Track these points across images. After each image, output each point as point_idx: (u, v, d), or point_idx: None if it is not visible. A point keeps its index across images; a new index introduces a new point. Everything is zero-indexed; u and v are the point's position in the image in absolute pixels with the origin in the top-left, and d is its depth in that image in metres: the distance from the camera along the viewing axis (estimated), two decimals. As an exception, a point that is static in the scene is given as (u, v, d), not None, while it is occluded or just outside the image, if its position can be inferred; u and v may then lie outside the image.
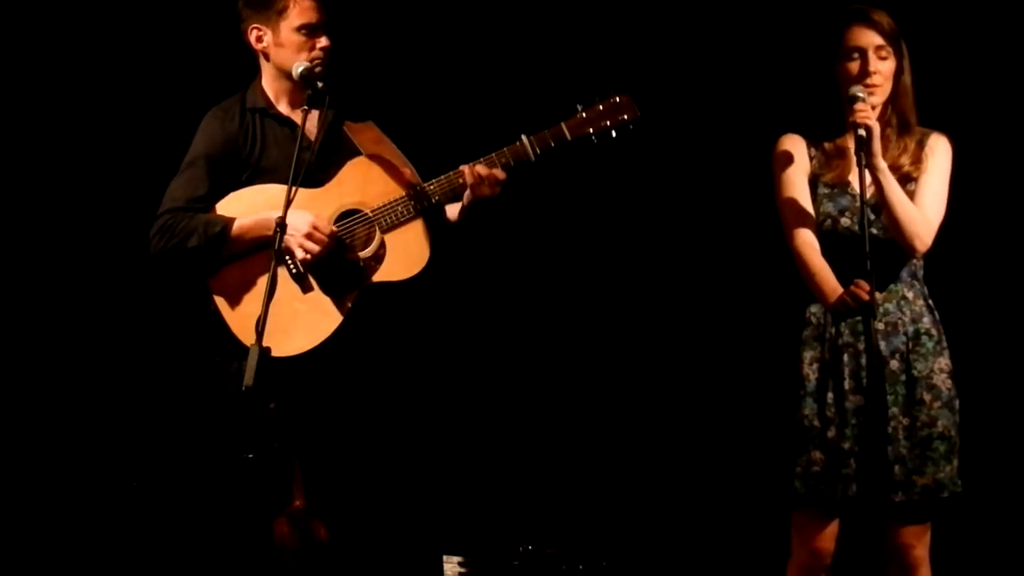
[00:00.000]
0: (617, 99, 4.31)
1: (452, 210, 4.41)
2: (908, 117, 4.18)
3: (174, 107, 5.04)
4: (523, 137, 4.28)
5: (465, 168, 4.26)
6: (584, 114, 4.30)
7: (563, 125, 4.29)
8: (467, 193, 4.29)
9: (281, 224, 4.05)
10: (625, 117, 4.31)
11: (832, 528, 4.16)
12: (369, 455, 4.44)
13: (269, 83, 4.44)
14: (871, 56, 4.09)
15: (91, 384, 5.56)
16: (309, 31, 4.31)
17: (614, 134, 4.31)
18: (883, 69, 4.10)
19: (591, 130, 4.30)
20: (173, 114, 4.84)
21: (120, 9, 5.45)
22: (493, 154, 4.28)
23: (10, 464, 5.51)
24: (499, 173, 4.27)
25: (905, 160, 4.15)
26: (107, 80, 5.50)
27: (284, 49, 4.34)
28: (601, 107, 4.30)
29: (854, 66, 4.11)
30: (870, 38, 4.10)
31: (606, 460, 5.52)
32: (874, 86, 4.09)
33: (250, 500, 4.29)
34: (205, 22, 4.43)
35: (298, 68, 4.28)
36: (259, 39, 4.37)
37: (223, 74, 4.59)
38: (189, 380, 5.18)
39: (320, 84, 4.25)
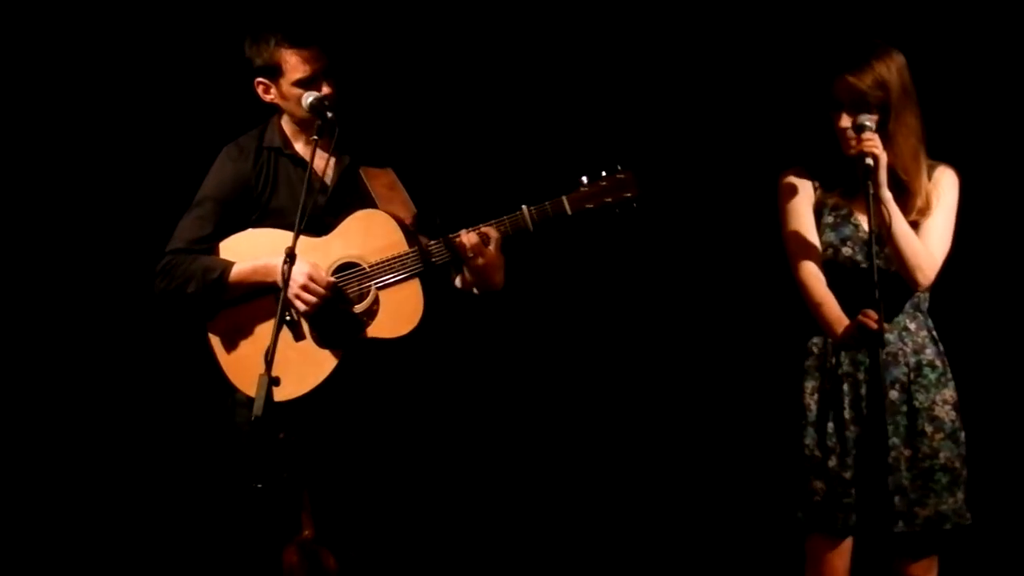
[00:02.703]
0: (621, 175, 4.24)
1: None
2: (909, 170, 4.11)
3: (201, 133, 5.05)
4: (523, 207, 4.23)
5: (462, 233, 4.23)
6: (586, 188, 4.23)
7: (564, 199, 4.23)
8: (466, 264, 4.25)
9: (290, 252, 4.06)
10: (628, 195, 4.24)
11: (842, 554, 4.14)
12: (378, 484, 4.42)
13: (286, 124, 4.47)
14: (844, 113, 4.06)
15: (104, 411, 5.57)
16: (307, 83, 4.32)
17: (616, 211, 4.26)
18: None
19: (591, 206, 4.23)
20: (200, 139, 4.84)
21: (154, 34, 5.50)
22: (492, 221, 4.25)
23: (22, 490, 5.54)
24: (495, 241, 4.22)
25: (913, 208, 4.11)
26: (137, 105, 5.54)
27: (288, 102, 4.37)
28: (604, 183, 4.24)
29: (836, 116, 4.09)
30: (849, 93, 4.06)
31: (613, 490, 5.51)
32: (848, 139, 4.05)
33: (259, 529, 4.29)
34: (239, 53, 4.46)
35: (307, 99, 4.30)
36: (266, 91, 4.40)
37: (248, 104, 4.60)
38: (200, 409, 5.20)
39: (330, 115, 4.26)
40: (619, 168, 4.26)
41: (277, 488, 4.23)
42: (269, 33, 4.34)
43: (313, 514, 4.37)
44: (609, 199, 4.24)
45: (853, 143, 4.03)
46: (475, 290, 4.34)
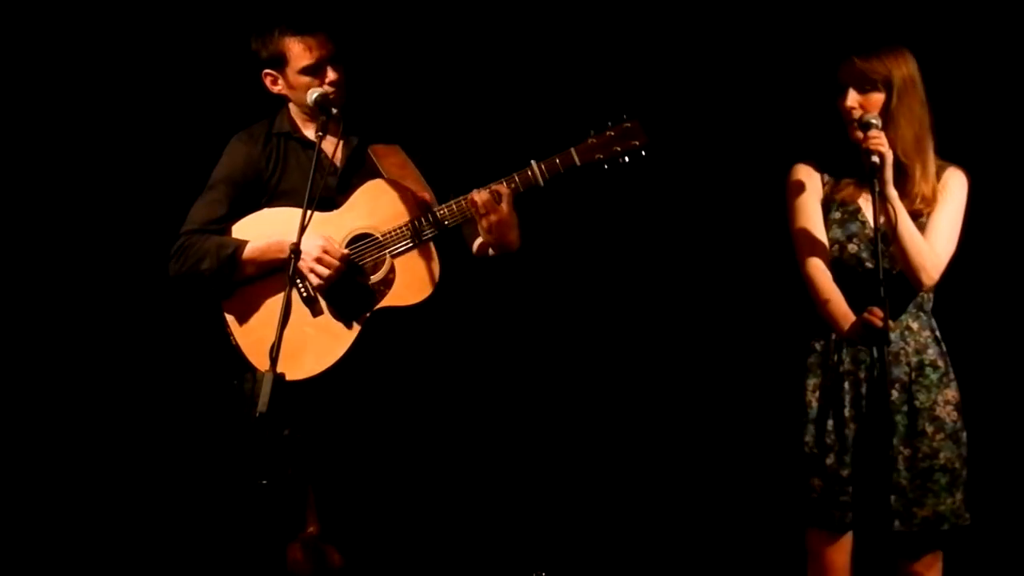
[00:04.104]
0: (627, 124, 4.26)
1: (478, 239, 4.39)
2: (905, 152, 4.13)
3: (207, 127, 5.04)
4: (532, 163, 4.25)
5: (473, 193, 4.25)
6: (594, 139, 4.25)
7: (572, 150, 4.25)
8: (480, 224, 4.26)
9: (296, 248, 4.06)
10: (636, 143, 4.25)
11: (841, 550, 4.15)
12: (382, 480, 4.43)
13: (295, 113, 4.50)
14: (851, 90, 4.10)
15: (108, 408, 5.57)
16: (313, 70, 4.35)
17: (625, 159, 4.26)
18: (866, 102, 4.09)
19: (601, 155, 4.24)
20: (206, 133, 4.85)
21: (161, 31, 5.50)
22: (503, 179, 4.26)
23: (25, 488, 5.54)
24: (506, 198, 4.23)
25: (916, 195, 4.14)
26: (144, 100, 5.53)
27: (296, 91, 4.40)
28: (611, 133, 4.25)
29: (842, 97, 4.12)
30: (851, 75, 4.11)
31: (618, 486, 5.51)
32: (854, 120, 4.09)
33: (264, 526, 4.29)
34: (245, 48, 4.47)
35: (312, 95, 4.33)
36: (274, 82, 4.43)
37: (255, 98, 4.61)
38: (204, 404, 5.21)
39: (334, 110, 4.29)
40: (625, 117, 4.27)
41: (282, 484, 4.23)
42: (273, 24, 4.37)
43: (318, 510, 4.37)
44: (618, 147, 4.25)
45: (859, 134, 4.06)
46: (491, 251, 4.34)
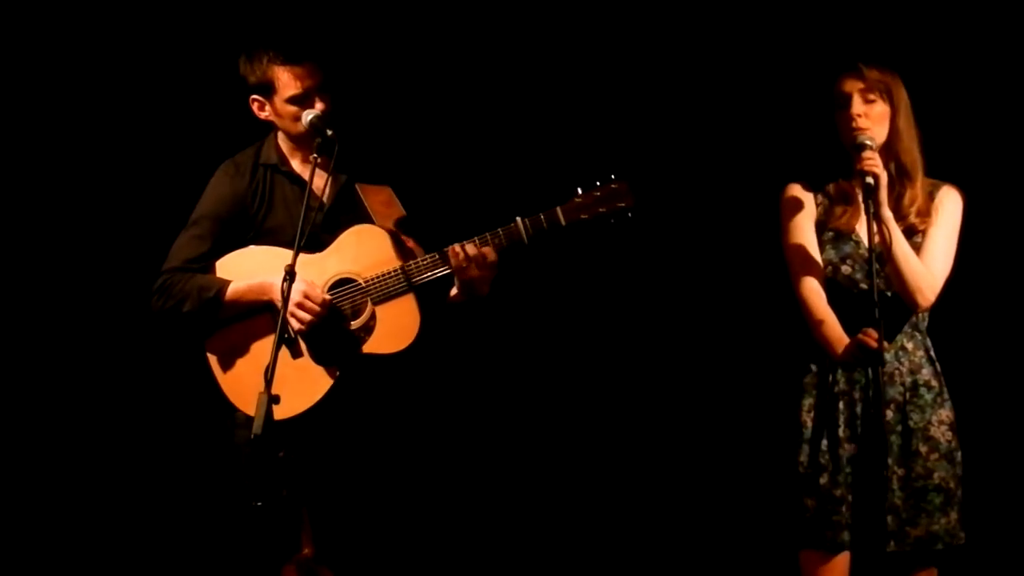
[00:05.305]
0: (615, 185, 4.21)
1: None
2: (907, 165, 4.16)
3: (199, 150, 5.04)
4: (518, 219, 4.21)
5: (456, 247, 4.22)
6: (580, 199, 4.21)
7: (558, 209, 4.20)
8: (458, 277, 4.23)
9: (290, 270, 4.05)
10: (621, 205, 4.21)
11: (835, 570, 4.15)
12: (377, 502, 4.42)
13: (282, 141, 4.47)
14: (856, 98, 4.11)
15: (105, 428, 5.56)
16: (300, 101, 4.32)
17: (612, 220, 4.23)
18: (869, 112, 4.12)
19: (586, 216, 4.20)
20: (198, 156, 4.84)
21: (152, 50, 5.50)
22: (487, 234, 4.22)
23: (20, 508, 5.54)
24: (489, 253, 4.21)
25: (911, 211, 4.16)
26: (136, 122, 5.54)
27: (283, 119, 4.37)
28: (598, 193, 4.21)
29: (845, 112, 4.14)
30: (856, 84, 4.13)
31: (612, 503, 5.51)
32: (860, 129, 4.10)
33: (259, 548, 4.28)
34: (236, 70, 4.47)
35: (307, 116, 4.30)
36: (261, 108, 4.40)
37: (246, 120, 4.60)
38: (200, 427, 5.20)
39: (330, 132, 4.25)
40: (613, 178, 4.23)
41: (276, 506, 4.22)
42: (262, 50, 4.35)
43: (312, 532, 4.36)
44: (603, 209, 4.21)
45: (859, 122, 4.10)
46: (463, 297, 4.31)
